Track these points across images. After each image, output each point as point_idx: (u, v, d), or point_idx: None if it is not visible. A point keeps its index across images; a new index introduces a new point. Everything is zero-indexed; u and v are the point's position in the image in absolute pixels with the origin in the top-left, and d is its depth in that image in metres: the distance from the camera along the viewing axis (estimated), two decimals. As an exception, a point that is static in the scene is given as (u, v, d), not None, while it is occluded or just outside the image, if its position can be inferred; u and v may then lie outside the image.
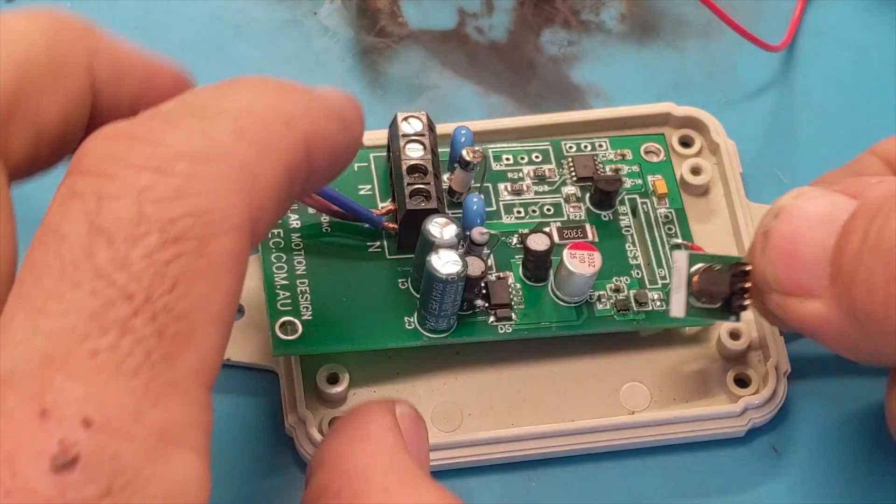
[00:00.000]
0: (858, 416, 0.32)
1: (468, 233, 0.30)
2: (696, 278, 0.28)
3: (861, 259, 0.24)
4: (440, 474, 0.31)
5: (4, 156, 0.22)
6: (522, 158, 0.33)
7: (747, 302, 0.28)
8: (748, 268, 0.28)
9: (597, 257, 0.30)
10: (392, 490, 0.22)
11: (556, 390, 0.31)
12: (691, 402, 0.31)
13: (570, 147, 0.33)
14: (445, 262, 0.28)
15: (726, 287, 0.28)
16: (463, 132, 0.32)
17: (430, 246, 0.29)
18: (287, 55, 0.37)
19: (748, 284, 0.27)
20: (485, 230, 0.30)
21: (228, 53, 0.37)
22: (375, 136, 0.33)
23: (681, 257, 0.28)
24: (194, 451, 0.19)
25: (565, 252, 0.30)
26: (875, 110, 0.36)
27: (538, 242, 0.31)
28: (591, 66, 0.37)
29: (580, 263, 0.30)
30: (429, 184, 0.30)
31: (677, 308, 0.28)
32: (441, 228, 0.29)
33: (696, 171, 0.34)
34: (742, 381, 0.31)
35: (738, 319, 0.29)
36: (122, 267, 0.19)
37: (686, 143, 0.35)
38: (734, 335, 0.31)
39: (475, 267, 0.30)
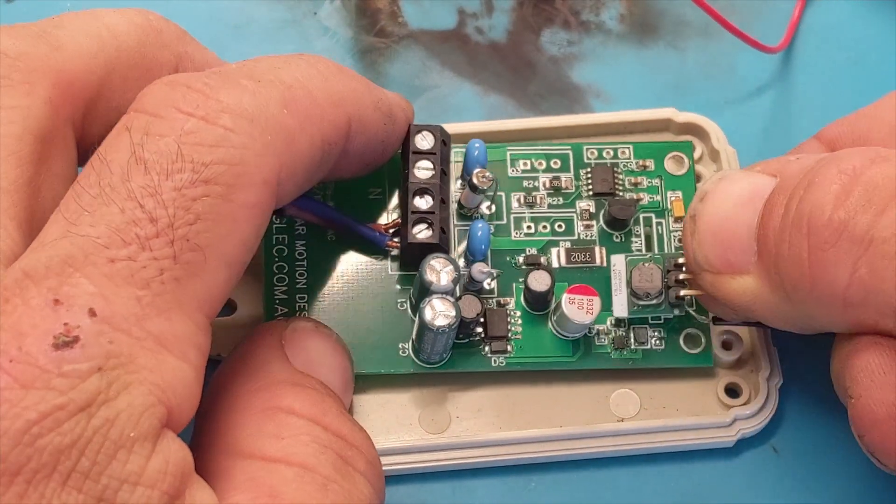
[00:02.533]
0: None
1: (471, 258, 0.30)
2: (633, 278, 0.29)
3: (783, 233, 0.25)
4: (430, 476, 0.31)
5: (83, 137, 0.25)
6: (540, 164, 0.32)
7: (683, 292, 0.29)
8: (681, 260, 0.29)
9: (596, 304, 0.29)
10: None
11: (546, 395, 0.31)
12: (681, 410, 0.31)
13: (592, 153, 0.33)
14: (438, 313, 0.28)
15: (660, 282, 0.29)
16: (476, 146, 0.31)
17: (427, 290, 0.28)
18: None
19: (682, 276, 0.29)
20: (485, 268, 0.30)
21: (228, 53, 0.37)
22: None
23: (619, 260, 0.30)
24: (189, 363, 0.21)
25: (564, 296, 0.30)
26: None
27: (539, 282, 0.30)
28: (591, 67, 0.37)
29: (578, 310, 0.29)
30: (433, 212, 0.29)
31: (619, 308, 0.30)
32: (439, 272, 0.28)
33: (696, 178, 0.33)
34: (733, 392, 0.31)
35: (681, 312, 0.30)
36: (153, 194, 0.21)
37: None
38: (726, 346, 0.31)
39: (471, 308, 0.29)
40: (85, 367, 0.20)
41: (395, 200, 0.32)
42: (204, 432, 0.24)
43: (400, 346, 0.30)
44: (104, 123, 0.25)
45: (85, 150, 0.25)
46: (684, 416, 0.31)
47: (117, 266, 0.21)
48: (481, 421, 0.31)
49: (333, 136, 0.25)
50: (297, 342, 0.26)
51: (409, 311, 0.30)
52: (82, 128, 0.25)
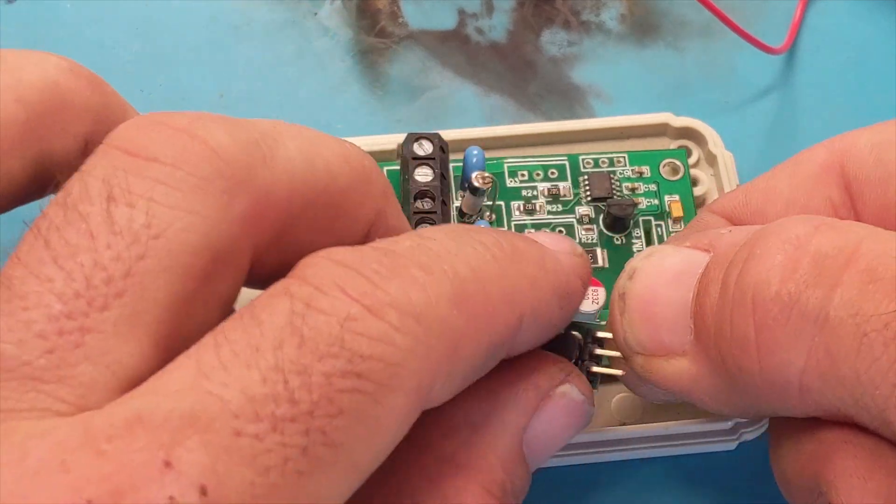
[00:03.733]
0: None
1: None
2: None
3: (724, 310, 0.23)
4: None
5: (255, 264, 0.22)
6: (538, 174, 0.33)
7: (595, 369, 0.26)
8: (601, 334, 0.26)
9: (601, 294, 0.29)
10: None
11: None
12: (683, 414, 0.31)
13: (588, 162, 0.33)
14: None
15: (572, 353, 0.26)
16: (475, 153, 0.31)
17: None
18: (287, 56, 0.37)
19: (598, 350, 0.26)
20: None
21: (228, 54, 0.37)
22: (378, 141, 0.32)
23: None
24: None
25: None
26: (876, 112, 0.36)
27: None
28: (591, 67, 0.37)
29: (584, 300, 0.30)
30: (435, 212, 0.30)
31: None
32: None
33: (693, 182, 0.33)
34: None
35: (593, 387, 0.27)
36: (301, 373, 0.18)
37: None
38: None
39: None
40: None
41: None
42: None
43: None
44: (283, 257, 0.22)
45: (255, 277, 0.22)
46: (686, 420, 0.31)
47: (241, 441, 0.18)
48: None
49: (501, 339, 0.22)
50: (556, 412, 0.24)
51: None
52: (261, 254, 0.22)
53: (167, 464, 0.17)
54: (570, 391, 0.24)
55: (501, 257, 0.22)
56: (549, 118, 0.36)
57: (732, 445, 0.31)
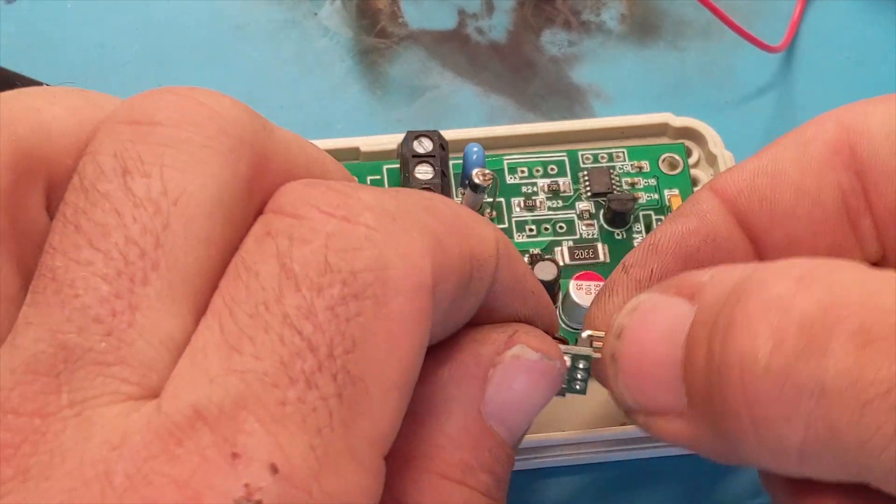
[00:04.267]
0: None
1: None
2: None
3: (711, 382, 0.22)
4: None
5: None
6: (538, 171, 0.33)
7: (579, 386, 0.26)
8: (596, 355, 0.26)
9: None
10: None
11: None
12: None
13: (588, 158, 0.33)
14: None
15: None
16: (475, 150, 0.31)
17: None
18: (287, 56, 0.37)
19: (583, 366, 0.26)
20: None
21: (228, 54, 0.37)
22: (378, 141, 0.32)
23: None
24: None
25: (572, 283, 0.30)
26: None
27: (545, 271, 0.30)
28: (591, 67, 0.37)
29: (585, 296, 0.30)
30: None
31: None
32: None
33: (693, 182, 0.33)
34: None
35: (582, 392, 0.27)
36: (308, 316, 0.19)
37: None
38: None
39: None
40: None
41: None
42: None
43: None
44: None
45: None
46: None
47: (288, 410, 0.18)
48: None
49: (482, 255, 0.22)
50: (509, 377, 0.23)
51: None
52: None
53: (235, 455, 0.17)
54: (521, 352, 0.23)
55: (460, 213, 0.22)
56: (550, 118, 0.36)
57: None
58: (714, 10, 0.35)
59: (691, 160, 0.34)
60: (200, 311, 0.19)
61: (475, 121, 0.36)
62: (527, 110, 0.36)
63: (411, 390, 0.20)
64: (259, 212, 0.21)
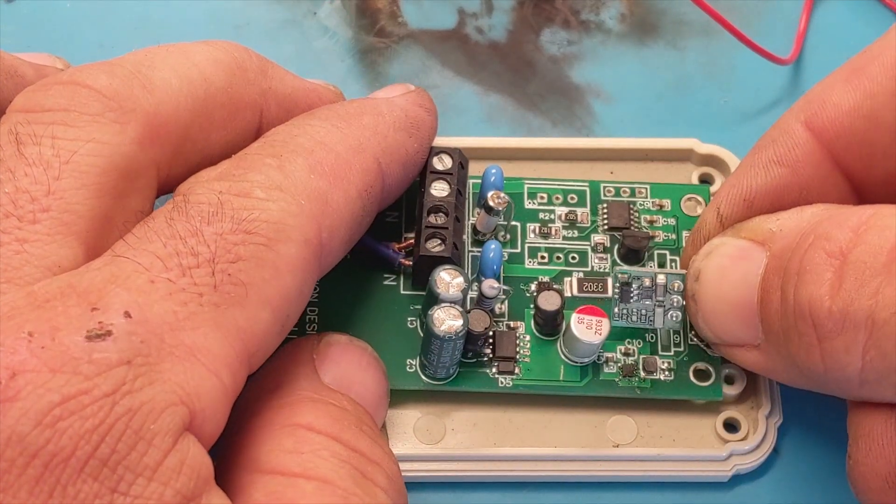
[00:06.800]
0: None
1: (482, 278, 0.30)
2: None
3: (787, 321, 0.25)
4: (422, 486, 0.30)
5: (167, 176, 0.26)
6: (557, 198, 0.33)
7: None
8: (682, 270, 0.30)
9: (605, 325, 0.29)
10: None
11: (543, 416, 0.31)
12: (678, 441, 0.31)
13: (609, 190, 0.33)
14: (445, 319, 0.28)
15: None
16: (493, 171, 0.31)
17: (436, 299, 0.28)
18: (287, 55, 0.37)
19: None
20: (496, 284, 0.29)
21: (228, 53, 0.37)
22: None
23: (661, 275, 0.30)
24: (218, 379, 0.21)
25: (573, 316, 0.29)
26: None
27: (549, 301, 0.30)
28: (591, 66, 0.37)
29: (586, 330, 0.29)
30: (447, 228, 0.30)
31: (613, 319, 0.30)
32: (448, 282, 0.28)
33: None
34: (732, 427, 0.31)
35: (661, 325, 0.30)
36: (194, 234, 0.22)
37: (706, 180, 0.34)
38: (728, 380, 0.31)
39: (479, 322, 0.29)
40: (114, 358, 0.20)
41: (413, 224, 0.32)
42: (228, 447, 0.24)
43: (408, 362, 0.30)
44: (189, 164, 0.26)
45: (167, 189, 0.26)
46: (680, 446, 0.30)
47: (157, 284, 0.21)
48: (476, 436, 0.31)
49: (367, 182, 0.26)
50: (329, 357, 0.27)
51: (419, 328, 0.30)
52: (168, 168, 0.25)
53: (94, 308, 0.21)
54: (330, 338, 0.27)
55: (339, 123, 0.27)
56: (549, 117, 0.36)
57: (726, 477, 0.31)
58: (725, 24, 0.35)
59: (713, 188, 0.33)
60: (95, 248, 0.23)
61: (475, 120, 0.36)
62: (526, 109, 0.36)
63: (288, 325, 0.24)
64: (159, 160, 0.25)
